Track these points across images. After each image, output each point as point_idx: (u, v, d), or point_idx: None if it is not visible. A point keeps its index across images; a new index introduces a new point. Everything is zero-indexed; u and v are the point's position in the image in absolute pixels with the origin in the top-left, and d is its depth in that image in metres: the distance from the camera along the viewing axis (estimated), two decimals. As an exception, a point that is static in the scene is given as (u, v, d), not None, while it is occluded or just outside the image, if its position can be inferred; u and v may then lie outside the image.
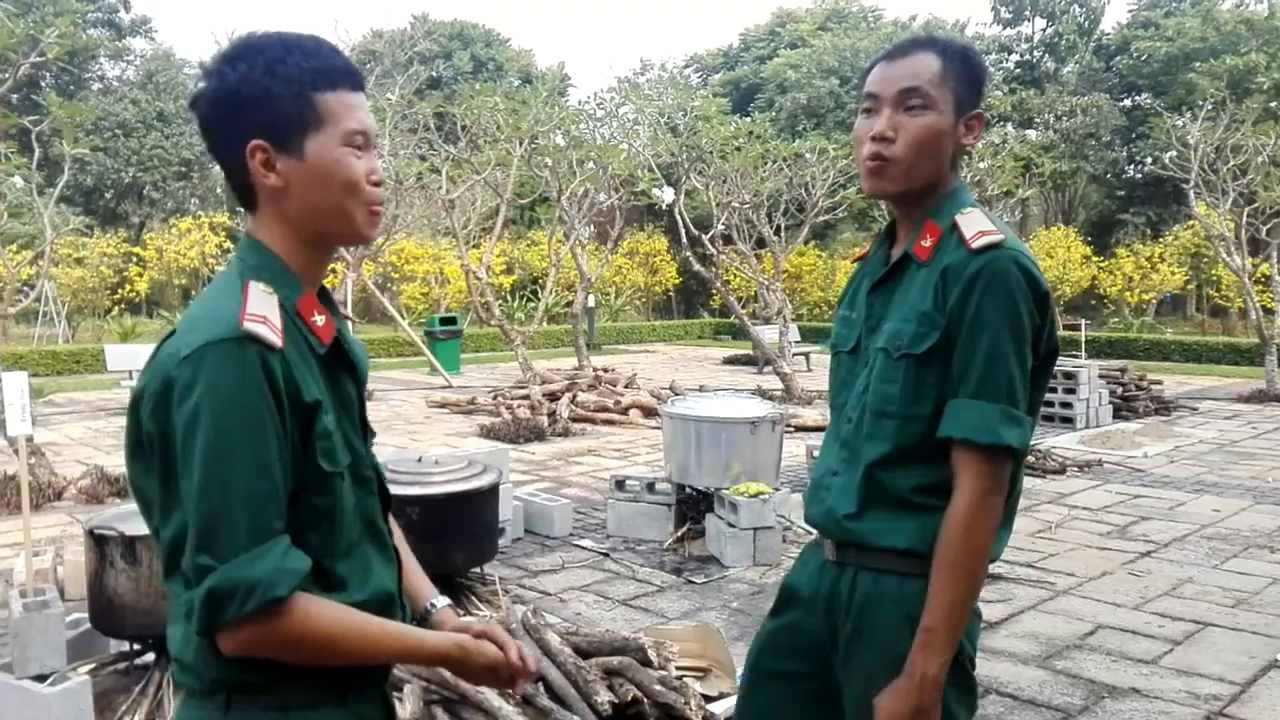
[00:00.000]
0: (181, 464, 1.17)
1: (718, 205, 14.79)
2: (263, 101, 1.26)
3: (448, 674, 3.42)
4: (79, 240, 22.36)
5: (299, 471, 1.23)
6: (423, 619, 1.51)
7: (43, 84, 27.69)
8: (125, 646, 3.79)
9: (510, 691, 1.44)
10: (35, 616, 3.70)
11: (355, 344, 1.43)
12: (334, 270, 23.01)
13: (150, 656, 3.66)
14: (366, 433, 1.42)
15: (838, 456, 1.77)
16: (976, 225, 1.66)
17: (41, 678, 3.56)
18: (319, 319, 1.31)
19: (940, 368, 1.64)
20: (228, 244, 23.21)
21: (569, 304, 16.76)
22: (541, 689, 3.43)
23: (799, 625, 1.82)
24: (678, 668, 3.81)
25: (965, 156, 11.84)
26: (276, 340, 1.20)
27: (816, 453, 1.97)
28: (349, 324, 1.54)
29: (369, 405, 10.04)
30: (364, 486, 1.36)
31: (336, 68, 1.29)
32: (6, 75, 7.60)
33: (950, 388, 1.63)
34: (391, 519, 1.54)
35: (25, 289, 14.02)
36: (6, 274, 12.94)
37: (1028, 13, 34.17)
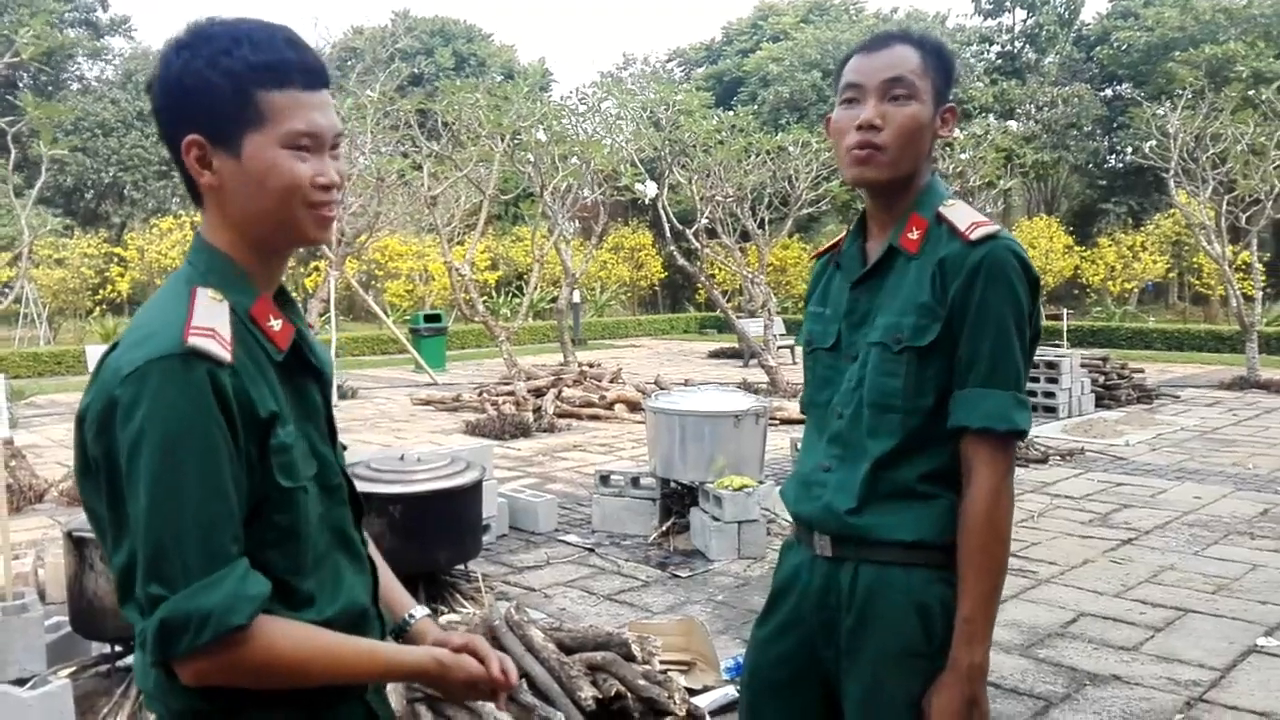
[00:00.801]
0: (128, 488, 1.11)
1: (701, 199, 14.79)
2: (201, 94, 1.19)
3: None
4: (59, 241, 22.20)
5: (257, 488, 1.18)
6: (400, 630, 1.46)
7: (20, 84, 27.43)
8: (106, 649, 3.77)
9: (492, 704, 1.41)
10: (14, 620, 3.68)
11: (319, 347, 1.37)
12: (317, 268, 23.06)
13: (131, 659, 3.64)
14: (334, 438, 1.36)
15: (828, 453, 1.76)
16: (968, 217, 1.68)
17: (21, 681, 3.53)
18: (275, 324, 1.25)
19: (941, 359, 1.65)
20: (210, 243, 23.09)
21: (554, 299, 16.76)
22: (525, 685, 3.43)
23: (790, 626, 1.80)
24: (662, 662, 3.82)
25: (947, 148, 11.83)
26: (225, 354, 1.14)
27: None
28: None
29: (353, 404, 10.02)
30: (333, 495, 1.31)
31: (286, 62, 1.20)
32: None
33: (958, 377, 1.64)
34: (388, 573, 1.51)
35: (4, 290, 13.91)
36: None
37: (1008, 4, 34.29)
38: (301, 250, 22.91)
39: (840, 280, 1.83)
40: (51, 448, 9.52)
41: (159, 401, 1.10)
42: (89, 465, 1.17)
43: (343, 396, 12.97)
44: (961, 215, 1.68)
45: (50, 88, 29.88)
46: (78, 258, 22.43)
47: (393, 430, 10.65)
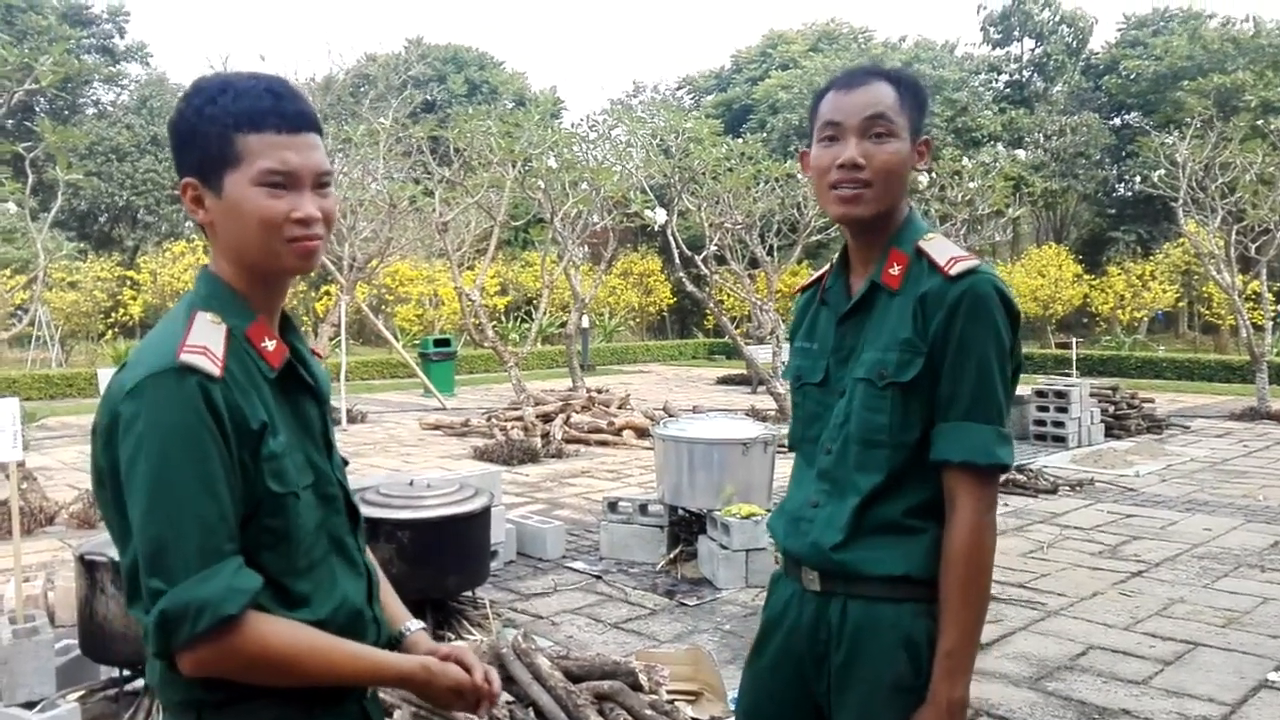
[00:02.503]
0: (129, 494, 1.22)
1: (710, 226, 14.86)
2: (193, 140, 1.32)
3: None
4: (73, 264, 22.36)
5: (250, 494, 1.27)
6: (396, 642, 1.53)
7: (37, 109, 27.76)
8: (115, 673, 3.78)
9: (475, 716, 1.47)
10: (25, 643, 3.70)
11: (316, 367, 1.48)
12: (328, 292, 23.16)
13: (140, 683, 3.64)
14: (332, 451, 1.45)
15: (817, 488, 1.78)
16: (948, 252, 1.70)
17: (31, 704, 3.55)
18: (269, 344, 1.36)
19: (925, 394, 1.67)
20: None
21: (563, 325, 16.80)
22: (532, 714, 3.43)
23: (782, 660, 1.81)
24: (669, 691, 3.82)
25: (955, 176, 11.82)
26: (215, 369, 1.24)
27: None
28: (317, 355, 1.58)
29: (362, 428, 10.04)
30: (329, 504, 1.41)
31: (261, 109, 1.31)
32: (1, 102, 7.64)
33: (939, 411, 1.66)
34: (387, 591, 1.59)
35: (19, 313, 14.01)
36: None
37: (1016, 33, 34.51)
38: (312, 274, 22.98)
39: (826, 316, 1.85)
40: (63, 470, 9.56)
41: (155, 413, 1.21)
42: (101, 477, 1.28)
43: (352, 420, 13.02)
44: (940, 250, 1.70)
45: (67, 112, 30.22)
46: (91, 281, 22.60)
47: (401, 455, 10.67)
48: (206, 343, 1.26)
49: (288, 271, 1.38)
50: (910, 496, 1.68)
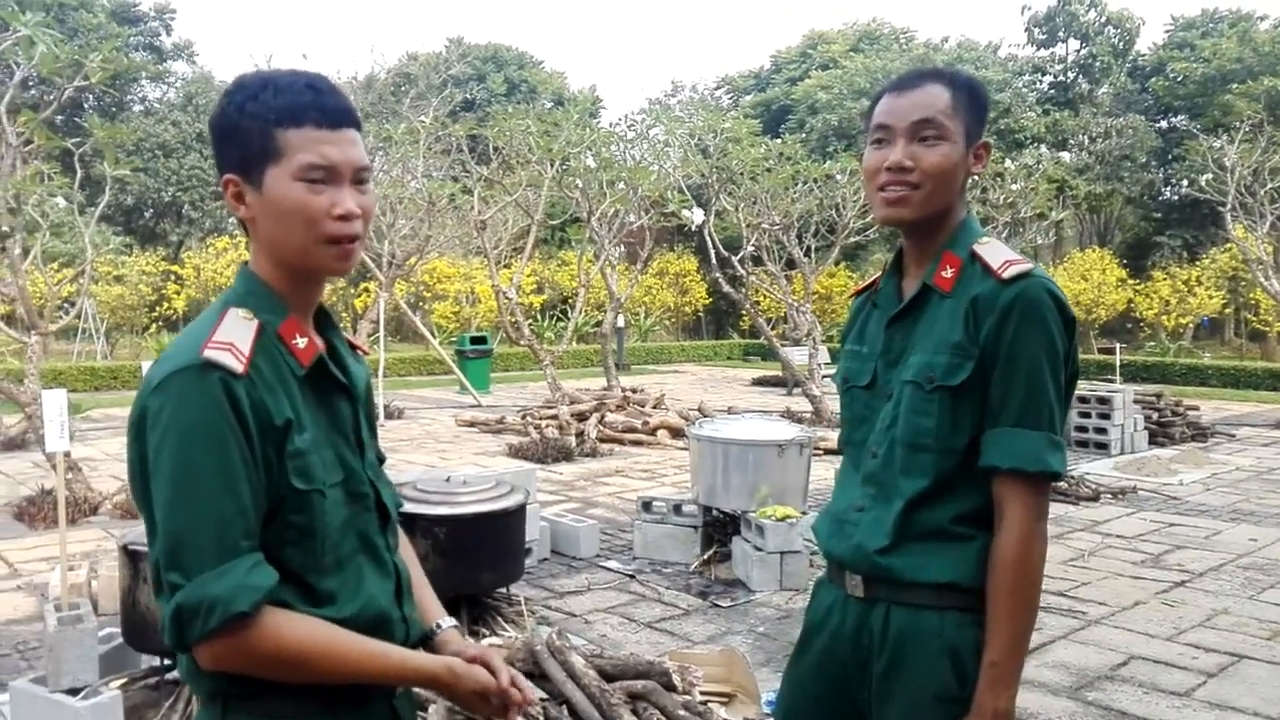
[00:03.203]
0: (154, 487, 1.24)
1: (747, 226, 14.80)
2: (234, 136, 1.33)
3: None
4: (118, 259, 22.75)
5: (274, 490, 1.28)
6: (427, 638, 1.53)
7: (86, 106, 28.27)
8: (156, 661, 3.84)
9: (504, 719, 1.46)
10: (69, 631, 3.75)
11: (353, 364, 1.48)
12: (367, 289, 23.37)
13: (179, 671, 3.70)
14: (364, 450, 1.45)
15: (863, 492, 1.76)
16: (1002, 255, 1.67)
17: (74, 691, 3.61)
18: (300, 342, 1.36)
19: (974, 399, 1.64)
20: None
21: (599, 324, 16.83)
22: (565, 712, 3.44)
23: (824, 666, 1.79)
24: (702, 693, 3.80)
25: (997, 178, 11.77)
26: (238, 366, 1.25)
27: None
28: (359, 351, 1.58)
29: (399, 424, 10.12)
30: (359, 502, 1.41)
31: (301, 104, 1.31)
32: (51, 99, 7.78)
33: (989, 417, 1.63)
34: (404, 539, 1.60)
35: (66, 306, 14.27)
36: (47, 291, 13.20)
37: (1061, 34, 34.01)
38: (352, 272, 23.39)
39: (877, 318, 1.83)
40: (106, 461, 9.73)
41: (177, 408, 1.23)
42: (133, 470, 1.29)
43: (389, 416, 13.12)
44: (995, 253, 1.68)
45: (114, 109, 30.76)
46: (136, 275, 22.98)
47: (437, 451, 10.74)
48: (233, 339, 1.27)
49: (325, 272, 1.38)
50: (959, 503, 1.66)
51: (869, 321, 1.86)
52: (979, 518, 1.65)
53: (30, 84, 23.91)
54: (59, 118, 18.94)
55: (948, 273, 1.71)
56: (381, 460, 1.55)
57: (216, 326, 1.29)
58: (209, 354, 1.24)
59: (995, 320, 1.62)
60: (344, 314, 24.97)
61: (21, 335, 8.49)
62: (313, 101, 1.32)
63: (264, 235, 1.35)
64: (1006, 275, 1.63)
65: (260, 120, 1.31)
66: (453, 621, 1.58)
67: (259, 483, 1.25)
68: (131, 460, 1.28)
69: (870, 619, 1.71)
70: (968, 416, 1.65)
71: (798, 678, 1.86)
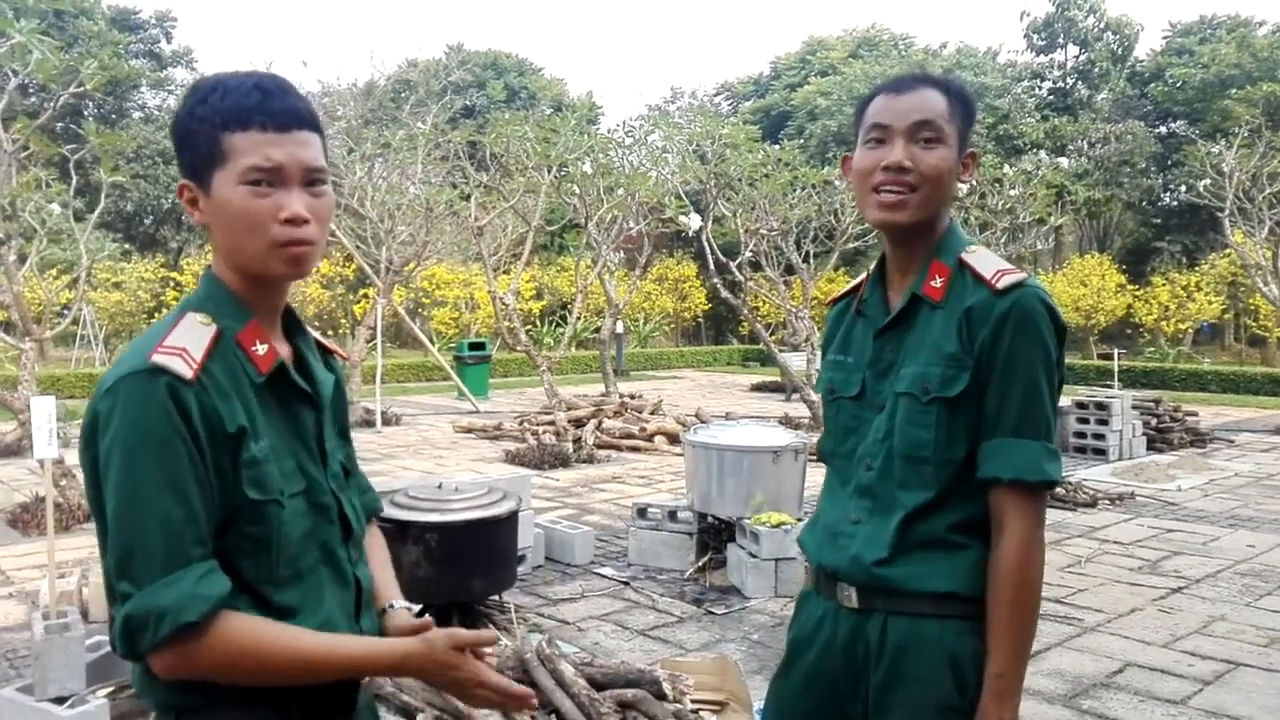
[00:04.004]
0: (105, 494, 1.22)
1: (745, 232, 14.79)
2: (186, 142, 1.32)
3: (460, 704, 3.41)
4: (117, 265, 22.77)
5: (228, 499, 1.25)
6: (380, 616, 1.51)
7: (85, 112, 28.30)
8: (144, 670, 3.81)
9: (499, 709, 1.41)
10: (56, 639, 3.74)
11: (319, 372, 1.45)
12: (366, 295, 23.37)
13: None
14: (327, 459, 1.42)
15: (857, 504, 1.73)
16: (993, 265, 1.66)
17: (61, 700, 3.59)
18: (260, 349, 1.33)
19: (971, 409, 1.63)
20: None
21: (598, 330, 16.81)
22: (554, 720, 3.41)
23: (814, 680, 1.76)
24: (694, 701, 3.78)
25: (995, 184, 11.69)
26: (186, 371, 1.22)
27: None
28: (335, 355, 1.56)
29: (396, 430, 10.10)
30: (321, 514, 1.38)
31: (246, 106, 1.28)
32: (48, 105, 7.77)
33: (986, 427, 1.62)
34: (374, 531, 1.59)
35: (64, 312, 14.27)
36: (43, 298, 13.19)
37: (1060, 40, 34.04)
38: (351, 277, 23.10)
39: (863, 328, 1.81)
40: (102, 467, 9.69)
41: (126, 414, 1.20)
42: (86, 475, 1.27)
43: (386, 423, 13.11)
44: (986, 262, 1.66)
45: (114, 116, 30.78)
46: (135, 281, 23.00)
47: (434, 457, 10.72)
48: (186, 344, 1.25)
49: (276, 277, 1.35)
50: (955, 512, 1.64)
51: (853, 330, 1.84)
52: (974, 527, 1.64)
53: (31, 91, 23.94)
54: (59, 124, 18.97)
55: (937, 282, 1.69)
56: (349, 471, 1.51)
57: (170, 331, 1.27)
58: (157, 359, 1.22)
59: (990, 331, 1.61)
60: (344, 320, 24.96)
61: (18, 342, 8.48)
62: (258, 104, 1.29)
63: (218, 240, 1.34)
64: (1000, 285, 1.62)
65: (208, 124, 1.29)
66: (406, 603, 1.54)
67: (210, 489, 1.23)
68: (84, 465, 1.26)
69: (866, 630, 1.69)
70: (964, 427, 1.63)
71: (785, 692, 1.83)
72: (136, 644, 1.19)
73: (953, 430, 1.64)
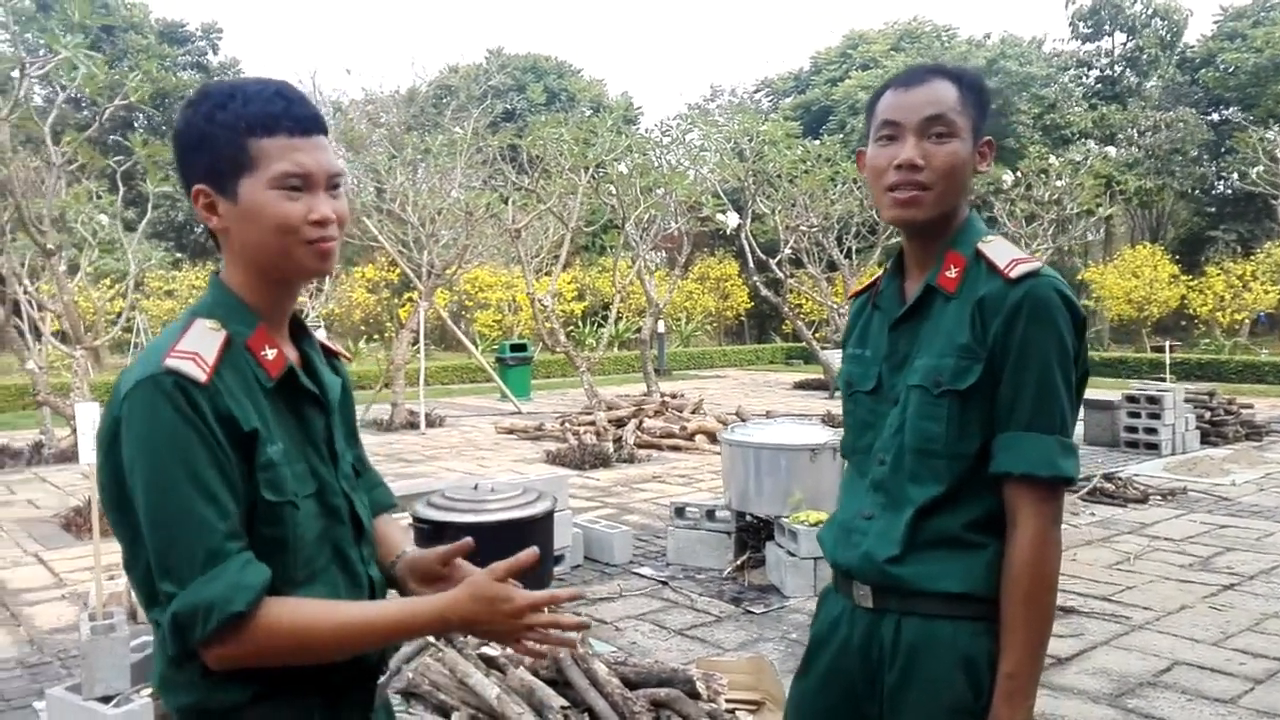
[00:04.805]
0: (135, 500, 1.24)
1: (786, 229, 14.72)
2: (202, 147, 1.32)
3: (494, 702, 3.42)
4: (169, 273, 23.26)
5: (247, 500, 1.27)
6: (392, 569, 1.54)
7: (135, 125, 28.94)
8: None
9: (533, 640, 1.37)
10: (102, 640, 3.81)
11: (326, 375, 1.47)
12: (410, 299, 23.61)
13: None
14: (337, 460, 1.44)
15: (871, 500, 1.71)
16: (1008, 254, 1.63)
17: (107, 699, 3.67)
18: (269, 354, 1.35)
19: (984, 402, 1.59)
20: (309, 275, 23.86)
21: (639, 330, 16.83)
22: (587, 719, 3.41)
23: (832, 679, 1.74)
24: (729, 700, 3.76)
25: (1041, 175, 11.58)
26: (200, 375, 1.24)
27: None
28: (341, 357, 1.58)
29: (439, 432, 10.20)
30: (332, 515, 1.40)
31: (272, 113, 1.30)
32: (94, 118, 7.96)
33: (999, 421, 1.59)
34: (390, 519, 1.62)
35: (117, 320, 14.62)
36: (97, 307, 13.51)
37: (1107, 27, 33.42)
38: (396, 281, 23.31)
39: (879, 321, 1.78)
40: (153, 471, 9.89)
41: (143, 417, 1.23)
42: (103, 480, 1.29)
43: (430, 424, 13.24)
44: (1001, 252, 1.63)
45: (164, 128, 31.42)
46: (186, 289, 23.45)
47: (476, 459, 10.79)
48: (198, 349, 1.27)
49: (307, 273, 1.37)
50: (970, 509, 1.61)
51: (870, 324, 1.82)
52: (991, 524, 1.60)
53: (84, 105, 24.53)
54: (110, 137, 19.42)
55: (952, 273, 1.66)
56: (360, 471, 1.53)
57: (181, 336, 1.29)
58: (170, 363, 1.24)
59: (1003, 321, 1.57)
60: (389, 324, 25.24)
61: (70, 350, 8.69)
62: (284, 110, 1.31)
63: (239, 244, 1.35)
64: (1014, 275, 1.59)
65: (231, 130, 1.30)
66: (412, 549, 1.56)
67: (236, 483, 1.25)
68: (102, 470, 1.28)
69: (880, 630, 1.66)
70: (977, 421, 1.60)
71: (804, 693, 1.81)
72: (188, 640, 1.21)
73: (965, 423, 1.60)
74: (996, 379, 1.58)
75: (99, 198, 10.81)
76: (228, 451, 1.25)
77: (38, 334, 11.00)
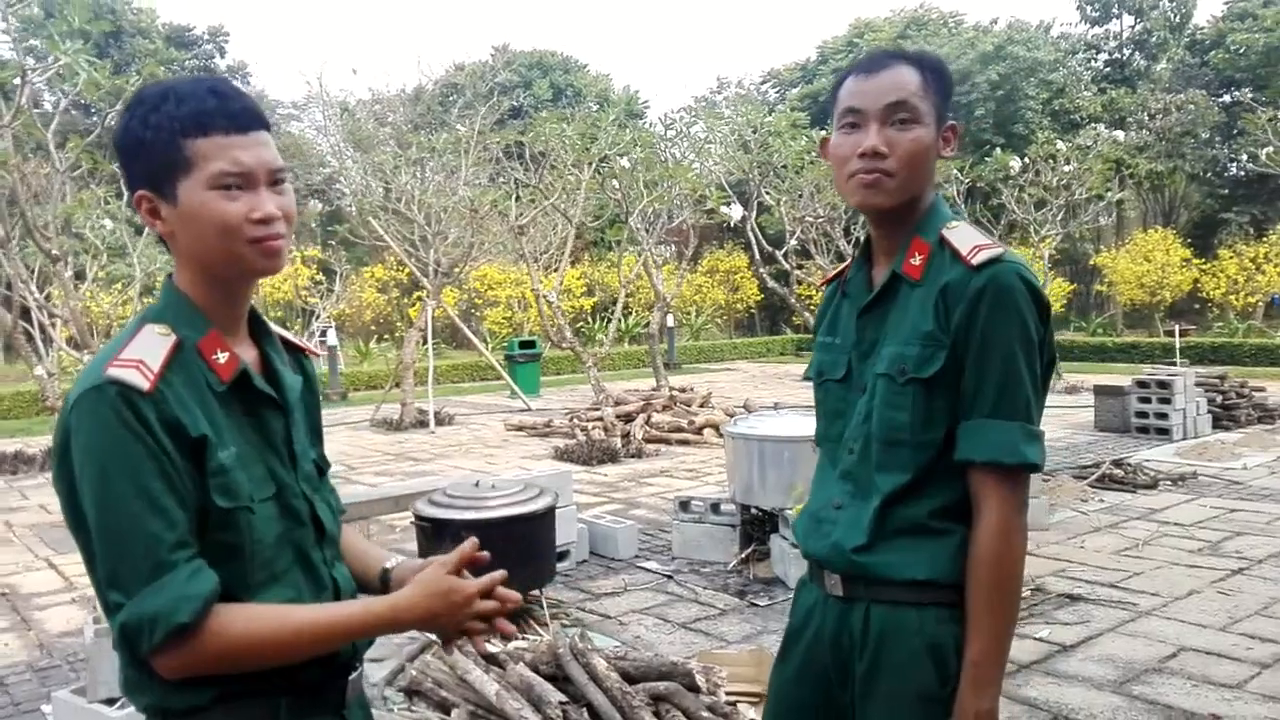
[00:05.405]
0: (84, 510, 1.23)
1: (792, 220, 14.67)
2: (139, 152, 1.30)
3: (493, 698, 3.43)
4: (178, 277, 23.33)
5: (201, 505, 1.26)
6: (383, 582, 1.52)
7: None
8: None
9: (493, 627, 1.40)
10: (105, 642, 3.83)
11: (286, 375, 1.45)
12: (419, 298, 23.68)
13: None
14: (298, 462, 1.42)
15: (840, 489, 1.71)
16: (971, 240, 1.62)
17: (111, 701, 3.69)
18: (221, 357, 1.33)
19: (949, 390, 1.59)
20: (319, 276, 23.94)
21: (648, 324, 16.82)
22: (586, 714, 3.42)
23: (806, 669, 1.75)
24: (731, 693, 3.76)
25: (1049, 160, 11.46)
26: (143, 383, 1.23)
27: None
28: (307, 353, 1.57)
29: (449, 430, 10.21)
30: (292, 517, 1.39)
31: (206, 111, 1.28)
32: (95, 124, 8.00)
33: (962, 408, 1.58)
34: (352, 531, 1.60)
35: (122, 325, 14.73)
36: (108, 311, 13.59)
37: (1115, 10, 33.20)
38: (405, 280, 23.30)
39: (848, 309, 1.77)
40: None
41: (88, 429, 1.22)
42: (58, 488, 1.28)
43: (439, 423, 13.27)
44: (964, 238, 1.62)
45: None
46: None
47: (485, 456, 10.82)
48: (143, 356, 1.25)
49: (253, 273, 1.35)
50: (936, 497, 1.61)
51: (840, 311, 1.81)
52: (956, 511, 1.60)
53: (92, 110, 24.64)
54: (117, 143, 19.50)
55: (916, 260, 1.65)
56: (323, 470, 1.52)
57: (128, 343, 1.28)
58: (112, 372, 1.23)
59: (966, 308, 1.57)
60: (399, 323, 25.31)
61: (81, 356, 8.75)
62: (218, 107, 1.29)
63: (184, 248, 1.33)
64: (976, 261, 1.58)
65: (165, 132, 1.28)
66: (401, 557, 1.56)
67: (185, 491, 1.24)
68: (57, 480, 1.28)
69: (850, 619, 1.66)
70: (942, 409, 1.60)
71: (782, 684, 1.81)
72: (136, 651, 1.21)
73: (930, 411, 1.60)
74: (961, 366, 1.58)
75: (107, 203, 10.87)
76: (175, 459, 1.23)
77: (48, 340, 11.08)
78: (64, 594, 5.97)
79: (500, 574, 1.40)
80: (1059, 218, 17.38)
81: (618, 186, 13.07)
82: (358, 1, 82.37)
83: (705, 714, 3.42)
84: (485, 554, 1.42)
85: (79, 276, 11.61)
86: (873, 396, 1.66)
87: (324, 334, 18.81)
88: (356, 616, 1.34)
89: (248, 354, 1.40)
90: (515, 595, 1.41)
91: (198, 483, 1.26)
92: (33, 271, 11.24)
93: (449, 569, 1.37)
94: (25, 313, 11.14)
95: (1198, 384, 11.09)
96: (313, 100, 27.23)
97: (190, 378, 1.29)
